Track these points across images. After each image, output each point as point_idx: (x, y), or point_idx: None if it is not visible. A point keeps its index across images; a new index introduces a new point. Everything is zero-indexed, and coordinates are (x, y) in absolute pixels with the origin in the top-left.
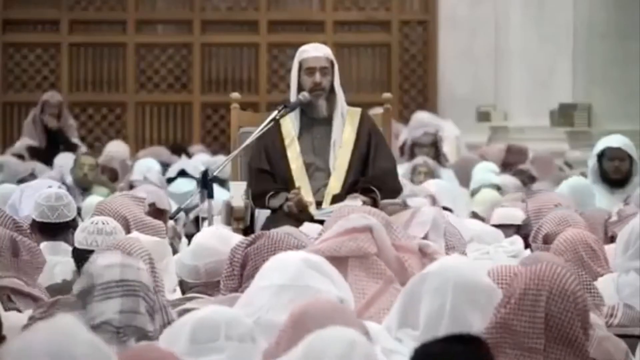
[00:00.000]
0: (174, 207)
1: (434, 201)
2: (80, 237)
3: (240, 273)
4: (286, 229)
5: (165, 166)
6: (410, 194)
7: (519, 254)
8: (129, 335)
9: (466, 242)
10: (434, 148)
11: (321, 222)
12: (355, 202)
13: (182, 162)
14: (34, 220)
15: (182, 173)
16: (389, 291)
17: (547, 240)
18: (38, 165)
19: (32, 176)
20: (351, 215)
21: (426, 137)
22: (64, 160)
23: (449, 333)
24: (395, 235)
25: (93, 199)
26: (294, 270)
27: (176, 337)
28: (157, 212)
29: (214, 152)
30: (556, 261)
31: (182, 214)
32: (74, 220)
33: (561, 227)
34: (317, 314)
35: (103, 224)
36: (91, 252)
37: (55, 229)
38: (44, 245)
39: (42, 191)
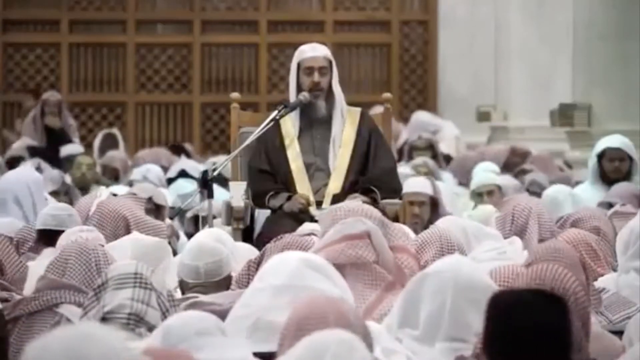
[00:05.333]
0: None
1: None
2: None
3: (255, 271)
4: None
5: (164, 169)
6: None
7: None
8: (139, 327)
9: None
10: (431, 150)
11: None
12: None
13: (182, 162)
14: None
15: (182, 173)
16: (389, 297)
17: (576, 224)
18: (42, 162)
19: (38, 170)
20: (348, 220)
21: (421, 141)
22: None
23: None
24: (391, 235)
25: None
26: (293, 270)
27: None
28: (154, 207)
29: (214, 153)
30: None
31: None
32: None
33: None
34: (317, 317)
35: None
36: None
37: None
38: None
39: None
